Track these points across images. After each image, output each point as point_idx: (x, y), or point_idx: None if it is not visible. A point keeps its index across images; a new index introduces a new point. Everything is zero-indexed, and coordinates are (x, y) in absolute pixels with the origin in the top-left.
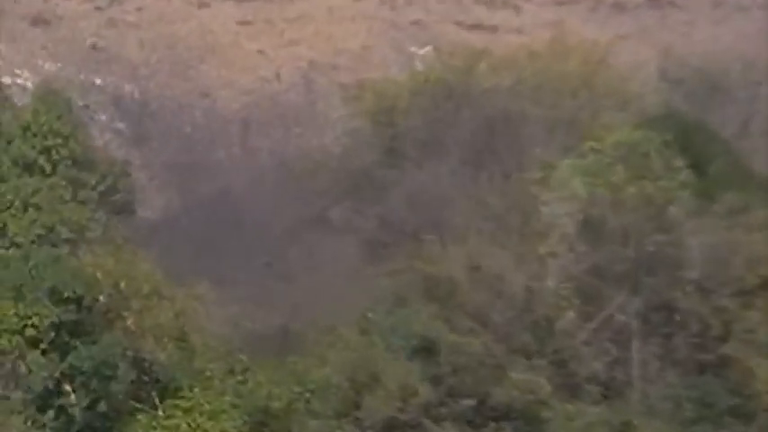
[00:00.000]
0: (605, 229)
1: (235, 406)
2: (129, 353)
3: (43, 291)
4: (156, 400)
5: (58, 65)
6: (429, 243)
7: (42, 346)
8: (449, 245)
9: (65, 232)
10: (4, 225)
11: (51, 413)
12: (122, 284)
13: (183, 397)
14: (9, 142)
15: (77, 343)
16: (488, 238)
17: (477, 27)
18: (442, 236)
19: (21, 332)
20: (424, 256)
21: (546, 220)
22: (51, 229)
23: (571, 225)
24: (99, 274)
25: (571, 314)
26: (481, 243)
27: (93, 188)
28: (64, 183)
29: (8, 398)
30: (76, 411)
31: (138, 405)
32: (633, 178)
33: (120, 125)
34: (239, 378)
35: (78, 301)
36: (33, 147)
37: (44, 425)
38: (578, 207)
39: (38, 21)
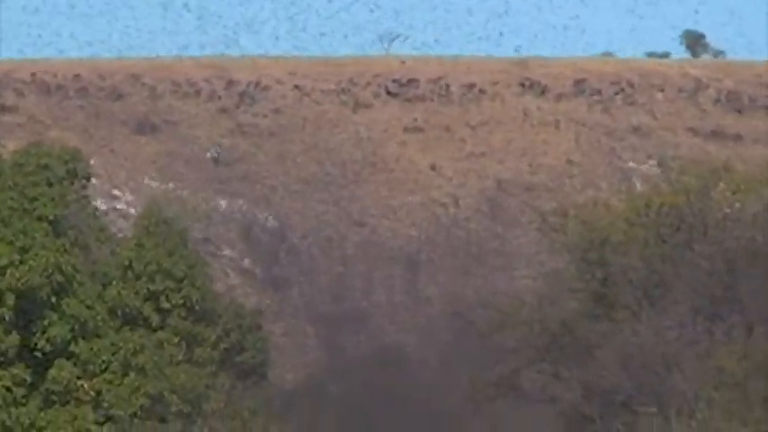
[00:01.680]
0: None
1: None
2: None
3: None
4: None
5: (170, 184)
6: (647, 417)
7: None
8: (672, 419)
9: (176, 403)
10: (99, 394)
11: None
12: None
13: None
14: (105, 286)
15: None
16: (723, 410)
17: (716, 135)
18: (663, 407)
19: None
20: None
21: None
22: (159, 399)
23: None
24: None
25: None
26: (714, 417)
27: (214, 346)
28: (176, 339)
29: None
30: None
31: None
32: None
33: (251, 263)
34: None
35: None
36: (137, 292)
37: None
38: None
39: (144, 127)
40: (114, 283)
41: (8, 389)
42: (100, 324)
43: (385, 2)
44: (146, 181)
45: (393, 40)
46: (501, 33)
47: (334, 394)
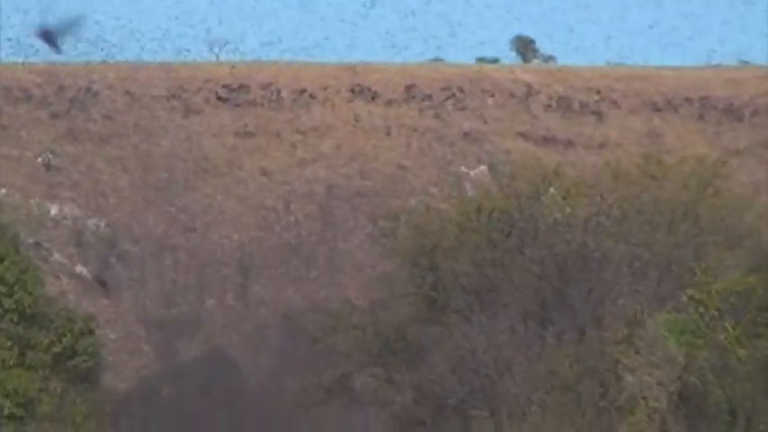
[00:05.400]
0: (707, 404)
1: None
2: None
3: None
4: None
5: (2, 190)
6: (480, 421)
7: None
8: (504, 423)
9: (9, 406)
10: None
11: None
12: None
13: None
14: None
15: None
16: (555, 414)
17: (547, 140)
18: (495, 411)
19: None
20: None
21: (631, 392)
22: None
23: (663, 398)
24: None
25: None
26: (546, 421)
27: (47, 350)
28: (8, 343)
29: None
30: None
31: None
32: (745, 337)
33: (82, 269)
34: None
35: None
36: None
37: None
38: (673, 375)
39: None
40: None
41: None
42: None
43: (215, 8)
44: None
45: (223, 45)
46: (329, 39)
47: (167, 398)
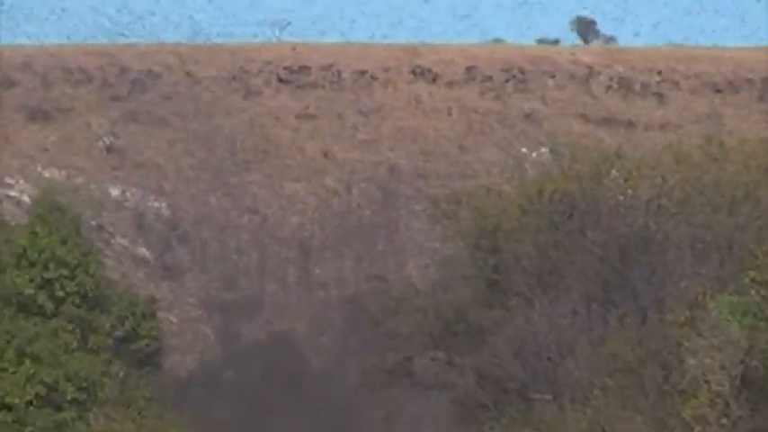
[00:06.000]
0: None
1: None
2: None
3: None
4: None
5: (63, 172)
6: (541, 404)
7: None
8: (567, 406)
9: (71, 391)
10: None
11: None
12: None
13: None
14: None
15: None
16: (618, 397)
17: (608, 122)
18: (558, 394)
19: None
20: (536, 420)
21: (693, 375)
22: (54, 387)
23: (726, 381)
24: None
25: None
26: (609, 404)
27: (109, 333)
28: (70, 326)
29: None
30: None
31: None
32: None
33: (144, 251)
34: None
35: None
36: (31, 280)
37: None
38: (736, 358)
39: (36, 115)
40: (9, 270)
41: None
42: None
43: None
44: (39, 169)
45: (285, 27)
46: (396, 21)
47: (229, 381)
